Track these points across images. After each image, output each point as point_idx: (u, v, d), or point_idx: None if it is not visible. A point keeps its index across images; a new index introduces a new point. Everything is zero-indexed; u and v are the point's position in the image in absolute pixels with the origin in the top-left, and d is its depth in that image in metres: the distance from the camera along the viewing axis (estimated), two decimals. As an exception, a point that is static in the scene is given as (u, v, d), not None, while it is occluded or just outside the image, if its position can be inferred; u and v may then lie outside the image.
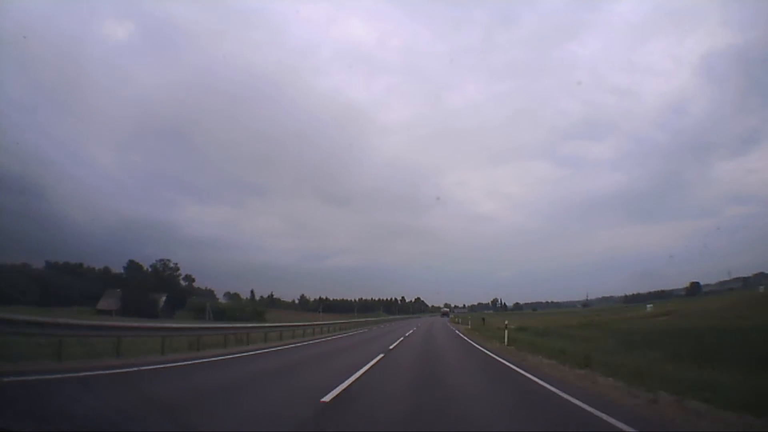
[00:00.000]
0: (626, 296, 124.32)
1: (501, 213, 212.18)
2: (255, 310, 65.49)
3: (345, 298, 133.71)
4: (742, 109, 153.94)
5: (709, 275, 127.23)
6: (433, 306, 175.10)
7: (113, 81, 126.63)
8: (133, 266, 74.15)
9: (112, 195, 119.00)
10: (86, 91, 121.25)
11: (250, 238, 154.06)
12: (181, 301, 67.17)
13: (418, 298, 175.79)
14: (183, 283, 79.51)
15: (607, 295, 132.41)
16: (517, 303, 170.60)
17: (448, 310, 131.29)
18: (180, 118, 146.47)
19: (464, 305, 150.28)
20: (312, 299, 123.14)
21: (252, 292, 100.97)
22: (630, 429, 5.16)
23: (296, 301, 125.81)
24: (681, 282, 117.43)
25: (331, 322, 36.98)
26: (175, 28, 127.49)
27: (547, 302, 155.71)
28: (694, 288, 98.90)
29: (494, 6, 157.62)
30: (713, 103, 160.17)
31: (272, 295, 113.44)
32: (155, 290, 64.31)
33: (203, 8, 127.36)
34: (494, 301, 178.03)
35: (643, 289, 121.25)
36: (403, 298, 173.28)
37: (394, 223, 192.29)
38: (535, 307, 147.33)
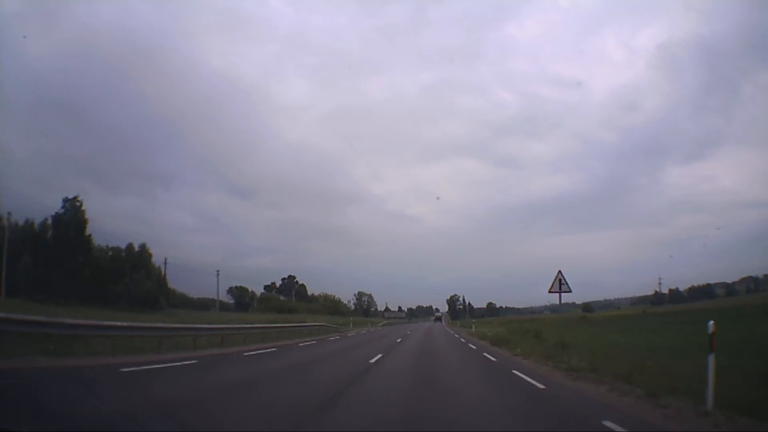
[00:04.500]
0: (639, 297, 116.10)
1: (431, 215, 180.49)
2: None
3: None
4: (704, 108, 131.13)
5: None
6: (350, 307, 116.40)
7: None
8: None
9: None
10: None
11: (163, 232, 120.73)
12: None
13: (291, 277, 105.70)
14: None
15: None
16: (490, 303, 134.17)
17: (440, 314, 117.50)
18: (72, 97, 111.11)
19: (400, 308, 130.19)
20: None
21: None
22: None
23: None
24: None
25: None
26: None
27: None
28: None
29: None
30: (669, 99, 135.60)
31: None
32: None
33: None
34: (453, 298, 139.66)
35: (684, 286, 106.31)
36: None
37: (311, 220, 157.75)
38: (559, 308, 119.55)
